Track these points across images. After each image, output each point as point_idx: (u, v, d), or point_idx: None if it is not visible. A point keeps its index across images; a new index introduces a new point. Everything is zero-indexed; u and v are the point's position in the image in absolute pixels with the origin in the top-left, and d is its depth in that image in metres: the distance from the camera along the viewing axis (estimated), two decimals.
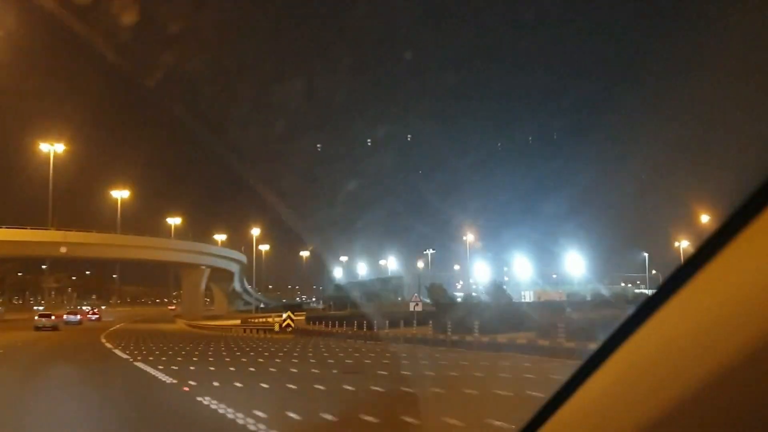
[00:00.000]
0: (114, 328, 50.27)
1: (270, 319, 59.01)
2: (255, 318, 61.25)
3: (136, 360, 18.78)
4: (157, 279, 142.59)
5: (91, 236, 65.58)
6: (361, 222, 71.92)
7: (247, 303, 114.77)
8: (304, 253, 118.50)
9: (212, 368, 15.80)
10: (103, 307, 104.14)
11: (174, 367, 16.08)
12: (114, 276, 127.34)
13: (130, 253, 69.88)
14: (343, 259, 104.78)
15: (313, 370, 15.17)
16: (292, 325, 32.06)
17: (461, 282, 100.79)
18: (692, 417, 0.92)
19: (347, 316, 36.71)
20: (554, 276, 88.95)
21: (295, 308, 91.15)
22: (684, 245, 72.40)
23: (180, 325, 61.05)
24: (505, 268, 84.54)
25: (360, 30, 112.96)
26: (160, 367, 16.06)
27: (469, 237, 79.09)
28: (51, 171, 63.68)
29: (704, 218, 60.80)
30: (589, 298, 46.79)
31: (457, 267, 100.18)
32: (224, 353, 21.31)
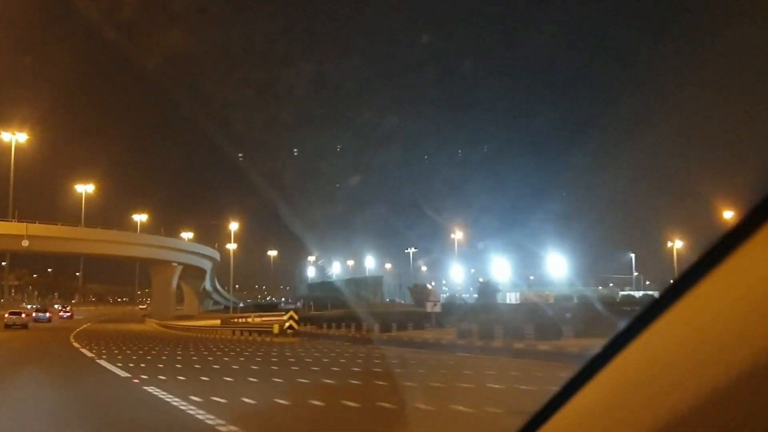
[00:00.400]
0: (82, 327, 46.77)
1: (250, 320, 55.82)
2: (234, 318, 57.86)
3: (123, 370, 15.69)
4: (122, 277, 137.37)
5: (55, 229, 61.23)
6: (333, 221, 69.52)
7: (216, 303, 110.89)
8: (272, 253, 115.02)
9: (250, 399, 10.35)
10: (73, 301, 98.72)
11: (181, 378, 13.23)
12: (77, 274, 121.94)
13: (97, 248, 65.58)
14: (311, 258, 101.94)
15: (419, 406, 9.16)
16: (296, 327, 28.95)
17: (444, 282, 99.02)
18: (689, 428, 0.91)
19: (338, 317, 33.81)
20: (531, 278, 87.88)
21: (270, 308, 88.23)
22: (677, 245, 72.35)
23: (152, 325, 57.39)
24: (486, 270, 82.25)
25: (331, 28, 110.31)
26: (162, 378, 13.16)
27: (453, 237, 76.49)
28: (12, 160, 59.74)
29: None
30: (576, 300, 45.44)
31: (424, 268, 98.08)
32: (231, 361, 18.26)
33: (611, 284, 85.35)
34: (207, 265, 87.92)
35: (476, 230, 75.34)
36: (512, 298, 63.06)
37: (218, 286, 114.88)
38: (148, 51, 51.29)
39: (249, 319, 55.85)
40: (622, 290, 77.14)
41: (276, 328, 29.37)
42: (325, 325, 31.95)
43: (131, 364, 16.81)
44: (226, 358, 19.18)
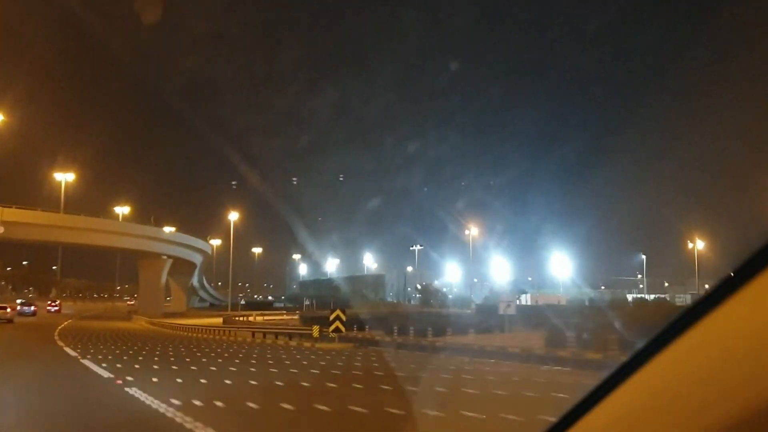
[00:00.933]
0: (65, 324, 41.13)
1: (252, 318, 50.59)
2: (236, 317, 52.53)
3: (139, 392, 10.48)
4: (101, 272, 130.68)
5: (32, 215, 55.11)
6: (323, 219, 64.54)
7: (202, 300, 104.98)
8: (257, 250, 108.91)
9: None
10: (51, 296, 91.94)
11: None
12: (54, 267, 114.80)
13: (80, 237, 59.42)
14: (296, 256, 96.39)
15: None
16: (342, 330, 23.13)
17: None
18: None
19: (361, 318, 28.19)
20: (529, 279, 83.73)
21: (266, 307, 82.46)
22: (698, 246, 68.50)
23: (141, 323, 51.57)
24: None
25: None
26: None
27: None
28: None
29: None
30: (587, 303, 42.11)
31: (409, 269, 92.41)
32: (327, 395, 12.87)
33: (603, 287, 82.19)
34: (198, 259, 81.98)
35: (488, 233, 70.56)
36: (522, 300, 59.47)
37: (205, 283, 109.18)
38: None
39: (251, 318, 50.74)
40: (629, 293, 74.13)
41: (316, 331, 23.65)
42: (355, 328, 26.39)
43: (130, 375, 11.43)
44: (304, 384, 12.86)
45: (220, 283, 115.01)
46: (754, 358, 0.80)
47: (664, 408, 0.94)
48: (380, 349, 21.07)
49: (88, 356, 18.62)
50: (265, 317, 51.85)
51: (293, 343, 23.94)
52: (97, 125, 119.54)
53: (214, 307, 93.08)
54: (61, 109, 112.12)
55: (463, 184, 70.82)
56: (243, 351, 21.28)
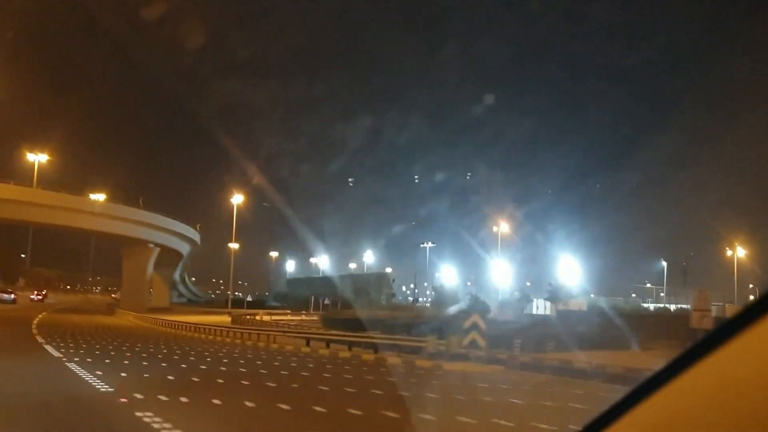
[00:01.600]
0: (39, 318, 33.76)
1: (258, 317, 43.51)
2: (247, 315, 45.37)
3: None
4: (74, 262, 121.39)
5: (1, 188, 47.17)
6: (309, 214, 57.85)
7: (180, 295, 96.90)
8: (233, 246, 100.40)
9: None
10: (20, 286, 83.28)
11: None
12: (23, 255, 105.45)
13: (56, 217, 51.27)
14: (274, 254, 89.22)
15: None
16: (482, 343, 15.13)
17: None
18: None
19: (408, 323, 20.86)
20: (528, 284, 77.65)
21: (259, 306, 74.74)
22: (736, 254, 63.32)
23: (129, 318, 43.88)
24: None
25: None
26: None
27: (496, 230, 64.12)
28: None
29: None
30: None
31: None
32: None
33: (633, 294, 77.47)
34: (186, 249, 73.95)
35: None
36: (540, 307, 53.99)
37: (186, 277, 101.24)
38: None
39: (257, 317, 43.39)
40: (644, 302, 69.24)
41: (433, 344, 15.84)
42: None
43: None
44: None
45: (193, 279, 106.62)
46: None
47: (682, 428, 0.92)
48: (532, 374, 13.98)
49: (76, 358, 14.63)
50: (273, 317, 44.54)
51: (397, 360, 16.17)
52: (79, 102, 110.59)
53: (192, 303, 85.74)
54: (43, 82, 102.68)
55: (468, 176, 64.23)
56: (335, 374, 13.97)
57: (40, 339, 20.64)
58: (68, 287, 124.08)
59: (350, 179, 67.14)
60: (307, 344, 20.84)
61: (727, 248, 65.50)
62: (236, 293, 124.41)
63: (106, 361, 14.84)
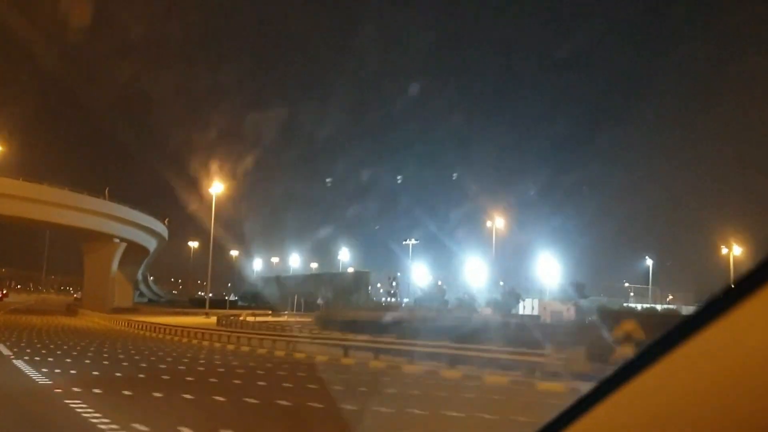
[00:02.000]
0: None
1: (242, 318, 39.40)
2: (232, 316, 41.29)
3: None
4: (26, 260, 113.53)
5: None
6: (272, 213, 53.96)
7: (141, 295, 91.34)
8: (193, 244, 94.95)
9: None
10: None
11: None
12: None
13: (8, 207, 45.54)
14: (234, 253, 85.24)
15: None
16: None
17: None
18: None
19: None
20: (501, 284, 75.10)
21: (229, 305, 69.80)
22: (734, 252, 61.76)
23: (95, 320, 39.12)
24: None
25: None
26: None
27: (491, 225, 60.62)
28: None
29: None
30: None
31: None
32: None
33: (631, 294, 76.23)
34: (153, 245, 68.43)
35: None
36: (527, 307, 51.56)
37: (148, 276, 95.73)
38: None
39: (241, 318, 39.32)
40: (626, 302, 68.00)
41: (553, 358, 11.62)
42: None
43: None
44: None
45: (152, 278, 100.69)
46: (751, 374, 0.77)
47: (653, 421, 0.89)
48: None
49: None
50: (257, 318, 40.37)
51: (504, 379, 11.90)
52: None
53: (154, 303, 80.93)
54: None
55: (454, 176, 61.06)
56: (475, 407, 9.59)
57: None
58: (19, 287, 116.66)
59: (327, 179, 63.01)
60: (346, 354, 16.56)
61: (722, 246, 64.25)
62: (199, 293, 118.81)
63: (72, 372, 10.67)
